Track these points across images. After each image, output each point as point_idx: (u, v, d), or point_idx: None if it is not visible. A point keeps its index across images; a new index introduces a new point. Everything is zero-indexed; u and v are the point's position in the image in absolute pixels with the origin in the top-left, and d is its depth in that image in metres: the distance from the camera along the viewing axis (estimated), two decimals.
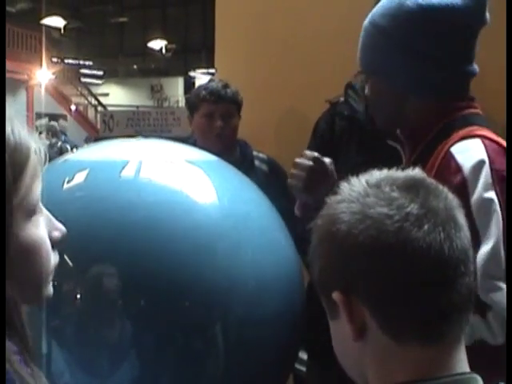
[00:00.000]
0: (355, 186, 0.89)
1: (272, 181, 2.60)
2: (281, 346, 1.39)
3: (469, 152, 1.35)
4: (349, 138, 2.21)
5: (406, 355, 0.85)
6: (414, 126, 1.49)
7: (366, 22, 1.49)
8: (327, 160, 1.55)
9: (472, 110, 1.49)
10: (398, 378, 0.86)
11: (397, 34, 1.43)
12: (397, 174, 0.91)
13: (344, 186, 0.91)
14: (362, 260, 0.85)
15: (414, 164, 1.45)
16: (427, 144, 1.47)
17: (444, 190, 0.90)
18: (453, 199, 0.89)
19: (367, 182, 0.89)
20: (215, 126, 2.54)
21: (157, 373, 1.24)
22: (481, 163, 1.32)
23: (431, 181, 0.91)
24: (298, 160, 1.56)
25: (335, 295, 0.87)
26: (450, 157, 1.36)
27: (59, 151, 10.03)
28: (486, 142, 1.37)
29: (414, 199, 0.85)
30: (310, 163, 1.53)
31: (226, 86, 2.61)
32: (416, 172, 0.92)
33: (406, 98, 1.47)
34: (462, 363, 0.86)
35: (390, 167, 1.51)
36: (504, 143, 1.39)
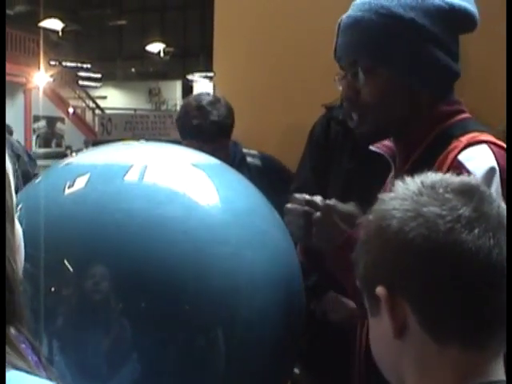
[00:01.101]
0: (410, 185, 0.90)
1: (265, 175, 2.58)
2: (282, 346, 1.39)
3: (478, 159, 1.32)
4: (342, 143, 2.20)
5: (446, 357, 0.85)
6: (411, 132, 1.45)
7: (368, 14, 1.42)
8: (318, 198, 1.46)
9: (465, 115, 1.47)
10: (437, 379, 0.86)
11: (428, 27, 1.40)
12: (452, 177, 0.92)
13: (398, 185, 0.92)
14: (410, 257, 0.85)
15: (411, 173, 1.44)
16: (424, 152, 1.42)
17: (497, 198, 0.90)
18: (505, 208, 0.89)
19: (422, 183, 0.90)
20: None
21: (157, 375, 1.24)
22: (492, 171, 1.30)
23: (486, 188, 0.91)
24: (290, 206, 1.46)
25: (379, 290, 0.87)
26: (459, 165, 1.31)
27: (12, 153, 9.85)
28: (493, 147, 1.35)
29: (467, 203, 0.86)
30: (305, 208, 1.44)
31: (214, 122, 2.46)
32: (471, 178, 0.93)
33: (419, 96, 1.43)
34: (501, 371, 0.86)
35: (380, 175, 1.49)
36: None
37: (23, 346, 0.83)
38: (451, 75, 1.47)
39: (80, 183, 1.34)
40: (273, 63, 3.13)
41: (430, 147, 1.42)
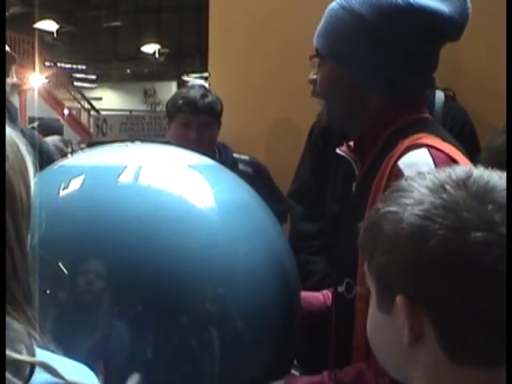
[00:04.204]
0: (455, 195, 0.83)
1: (257, 182, 2.60)
2: (278, 346, 1.39)
3: (416, 167, 1.24)
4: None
5: (460, 377, 0.83)
6: (364, 135, 1.43)
7: (336, 5, 1.41)
8: None
9: (420, 115, 1.43)
10: None
11: (378, 26, 1.35)
12: (500, 181, 0.85)
13: (449, 193, 0.84)
14: (439, 273, 0.81)
15: (364, 180, 1.43)
16: (376, 156, 1.40)
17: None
18: None
19: (467, 191, 0.83)
20: (191, 137, 2.51)
21: (152, 378, 1.23)
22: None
23: None
24: None
25: (399, 300, 0.84)
26: (397, 172, 1.27)
27: None
28: (433, 151, 1.29)
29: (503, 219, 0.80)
30: None
31: (204, 95, 2.57)
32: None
33: (367, 97, 1.41)
34: None
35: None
36: (450, 152, 1.32)
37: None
38: (402, 79, 1.40)
39: (74, 185, 1.34)
40: (268, 64, 3.13)
41: (381, 151, 1.39)
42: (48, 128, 6.30)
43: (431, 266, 0.82)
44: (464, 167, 0.90)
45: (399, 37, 1.36)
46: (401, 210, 0.85)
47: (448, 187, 0.84)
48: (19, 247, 0.87)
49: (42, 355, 0.83)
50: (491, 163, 0.95)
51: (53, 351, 0.86)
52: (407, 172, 1.25)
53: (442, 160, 1.28)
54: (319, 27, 1.47)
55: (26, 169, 0.90)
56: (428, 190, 0.85)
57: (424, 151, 1.30)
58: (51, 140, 5.44)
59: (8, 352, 0.78)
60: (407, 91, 1.42)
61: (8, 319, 0.83)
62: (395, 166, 1.29)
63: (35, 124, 6.66)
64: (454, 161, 1.30)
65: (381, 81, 1.40)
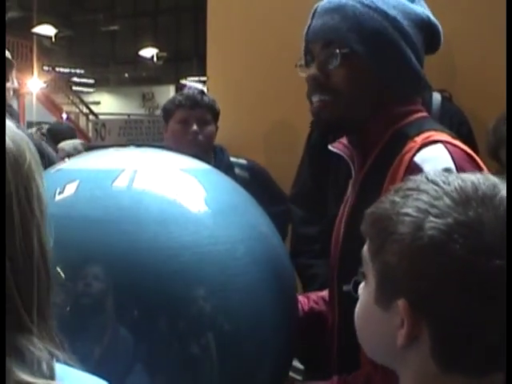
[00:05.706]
0: (475, 211, 0.81)
1: (254, 187, 2.60)
2: (275, 347, 1.39)
3: (434, 161, 1.28)
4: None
5: (447, 383, 0.83)
6: (367, 133, 1.44)
7: (355, 3, 1.41)
8: None
9: (421, 114, 1.46)
10: None
11: (408, 28, 1.42)
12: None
13: (474, 209, 0.81)
14: (450, 289, 0.80)
15: (368, 178, 1.43)
16: (379, 154, 1.41)
17: None
18: None
19: (492, 205, 0.81)
20: (190, 131, 2.53)
21: (151, 380, 1.23)
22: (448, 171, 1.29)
23: None
24: None
25: (401, 304, 0.83)
26: (415, 167, 1.28)
27: None
28: (449, 146, 1.32)
29: None
30: None
31: (202, 92, 2.64)
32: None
33: (383, 94, 1.43)
34: None
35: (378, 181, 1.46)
36: (464, 147, 1.35)
37: None
38: (417, 80, 1.47)
39: (70, 189, 1.34)
40: (266, 67, 3.14)
41: (386, 149, 1.40)
42: (59, 133, 6.01)
43: (443, 281, 0.80)
44: (490, 181, 0.87)
45: (417, 42, 1.44)
46: (421, 217, 0.83)
47: (474, 204, 0.82)
48: (22, 253, 0.78)
49: (62, 371, 0.79)
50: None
51: (73, 366, 0.82)
52: (426, 167, 1.26)
53: (459, 155, 1.31)
54: (330, 21, 1.43)
55: (30, 168, 0.82)
56: (453, 202, 0.83)
57: (440, 147, 1.32)
58: (71, 143, 5.24)
59: (23, 376, 0.74)
60: (412, 90, 1.47)
61: (28, 337, 0.78)
62: (411, 162, 1.30)
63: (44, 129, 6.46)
64: (470, 156, 1.33)
65: (401, 79, 1.43)
